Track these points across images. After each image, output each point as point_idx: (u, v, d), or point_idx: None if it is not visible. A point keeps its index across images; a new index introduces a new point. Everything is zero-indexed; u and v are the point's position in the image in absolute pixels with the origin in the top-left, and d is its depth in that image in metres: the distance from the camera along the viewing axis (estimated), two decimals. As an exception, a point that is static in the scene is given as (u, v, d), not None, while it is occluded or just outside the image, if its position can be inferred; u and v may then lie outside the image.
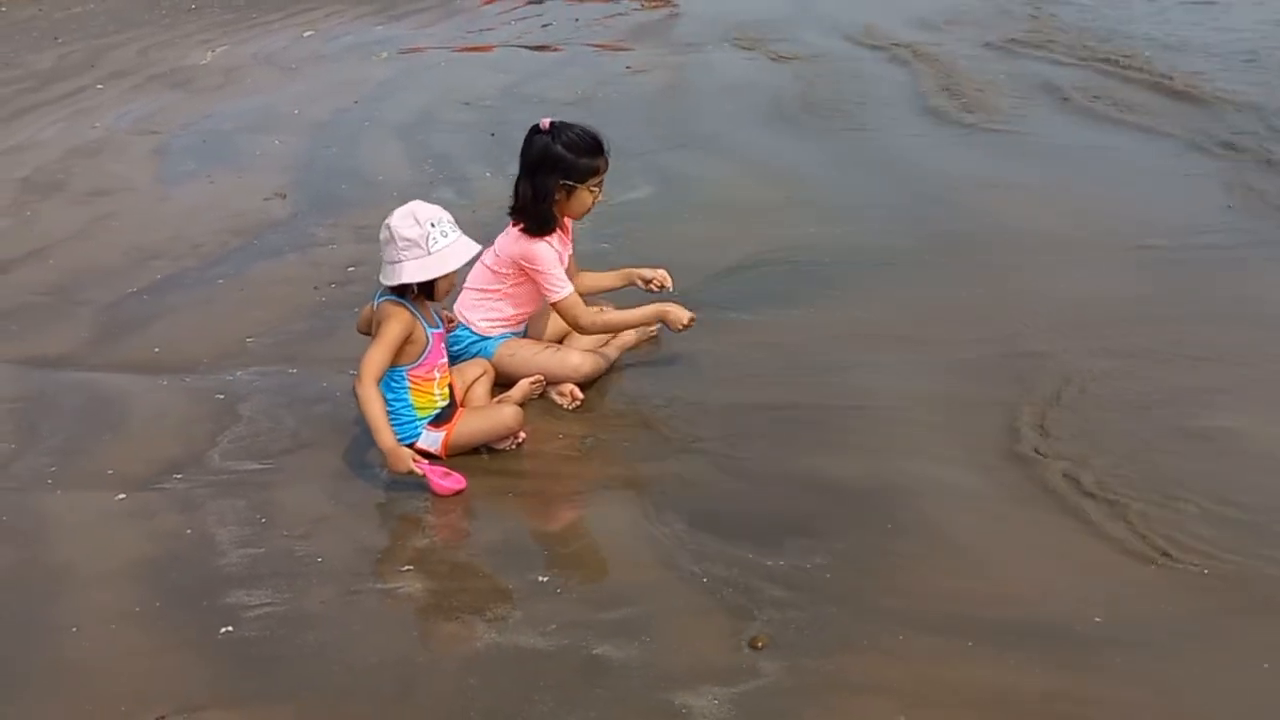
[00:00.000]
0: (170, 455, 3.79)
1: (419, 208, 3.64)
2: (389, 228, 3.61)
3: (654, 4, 13.07)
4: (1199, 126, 6.97)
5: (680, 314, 4.09)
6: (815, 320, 4.66)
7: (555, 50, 10.62)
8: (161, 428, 3.99)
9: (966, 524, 3.25)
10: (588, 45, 10.69)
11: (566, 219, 4.19)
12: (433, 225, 3.60)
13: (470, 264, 3.81)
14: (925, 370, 4.17)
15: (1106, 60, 8.78)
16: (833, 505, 3.39)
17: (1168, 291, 4.75)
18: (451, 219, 3.68)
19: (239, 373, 4.38)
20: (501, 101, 8.68)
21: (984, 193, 6.06)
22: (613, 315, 4.16)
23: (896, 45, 9.76)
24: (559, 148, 3.98)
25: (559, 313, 4.10)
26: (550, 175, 3.99)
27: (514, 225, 4.10)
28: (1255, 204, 5.69)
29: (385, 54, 10.51)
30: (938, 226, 5.63)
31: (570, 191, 4.02)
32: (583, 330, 4.11)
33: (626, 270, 4.40)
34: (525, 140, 4.08)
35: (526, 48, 10.80)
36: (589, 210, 4.13)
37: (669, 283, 4.29)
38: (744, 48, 10.09)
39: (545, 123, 4.05)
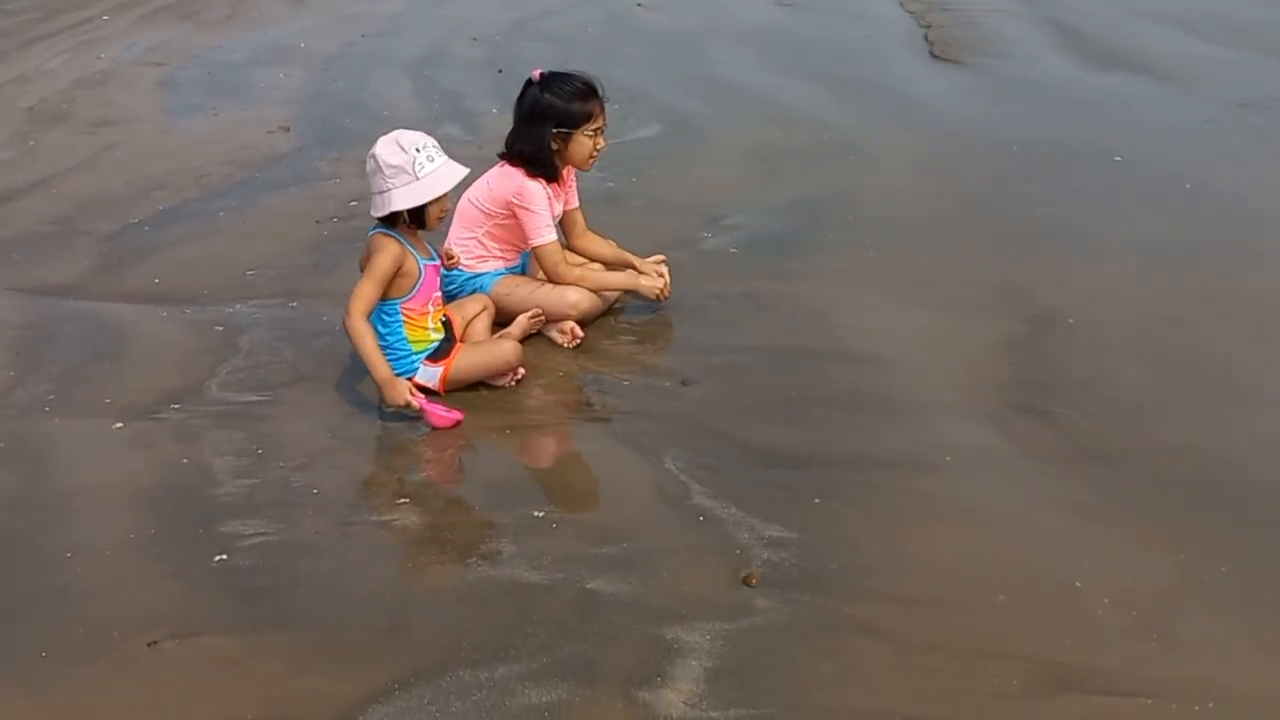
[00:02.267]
0: (169, 385, 3.77)
1: (402, 134, 3.58)
2: (374, 157, 3.56)
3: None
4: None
5: (654, 284, 4.10)
6: (823, 264, 4.61)
7: (567, -14, 10.44)
8: (160, 358, 3.96)
9: (973, 475, 3.23)
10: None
11: (566, 172, 4.13)
12: (418, 150, 3.54)
13: (459, 196, 3.76)
14: (930, 317, 4.13)
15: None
16: (834, 447, 3.37)
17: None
18: (436, 143, 3.62)
19: (239, 305, 4.35)
20: (511, 38, 8.56)
21: (994, 142, 5.97)
22: (589, 274, 4.11)
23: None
24: (549, 96, 3.93)
25: (538, 258, 4.05)
26: (543, 124, 3.94)
27: (506, 163, 4.04)
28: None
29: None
30: (950, 170, 5.56)
31: (567, 139, 3.96)
32: (556, 280, 4.04)
33: (627, 255, 4.31)
34: (520, 94, 4.03)
35: (538, -17, 10.63)
36: (592, 157, 4.05)
37: (663, 292, 4.14)
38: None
39: (536, 74, 4.00)
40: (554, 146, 3.97)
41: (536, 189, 3.97)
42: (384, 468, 3.39)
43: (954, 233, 4.86)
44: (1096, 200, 5.14)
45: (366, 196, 5.09)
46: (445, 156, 3.62)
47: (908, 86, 7.02)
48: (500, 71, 7.52)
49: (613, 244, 4.35)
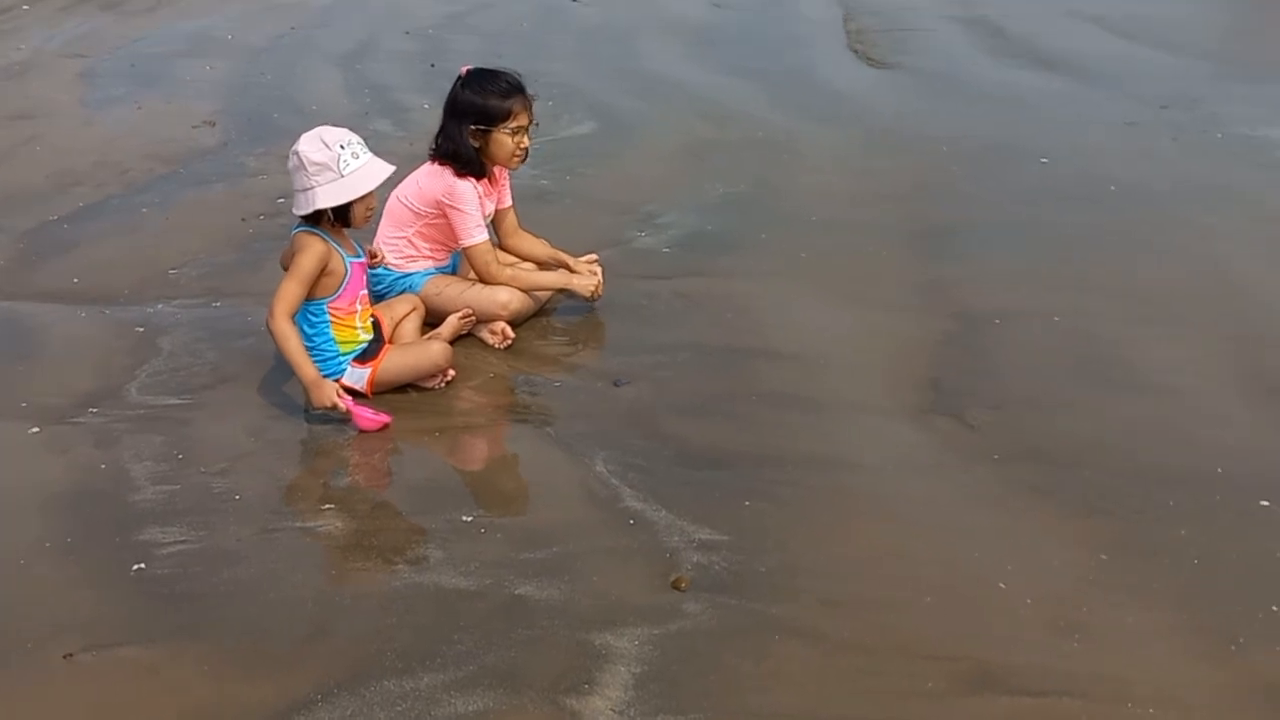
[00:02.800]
0: (86, 388, 3.68)
1: (326, 131, 3.52)
2: (297, 153, 3.49)
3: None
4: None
5: (586, 284, 4.10)
6: (755, 263, 4.62)
7: (502, -20, 10.37)
8: (78, 360, 3.87)
9: (899, 474, 3.25)
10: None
11: (498, 171, 4.09)
12: (342, 148, 3.48)
13: (387, 194, 3.71)
14: (858, 316, 4.15)
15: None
16: (764, 447, 3.37)
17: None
18: (361, 141, 3.56)
19: (160, 305, 4.26)
20: (444, 31, 8.49)
21: (923, 141, 6.02)
22: (520, 274, 4.08)
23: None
24: (469, 93, 3.90)
25: (469, 258, 4.01)
26: (462, 120, 3.90)
27: (435, 162, 3.99)
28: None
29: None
30: (880, 169, 5.61)
31: (486, 137, 3.92)
32: (488, 281, 4.00)
33: (560, 254, 4.29)
34: (450, 91, 4.00)
35: (472, -24, 10.55)
36: (516, 155, 3.99)
37: (596, 291, 4.13)
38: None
39: (464, 70, 3.97)
40: (475, 144, 3.92)
41: (466, 188, 3.93)
42: (309, 472, 3.33)
43: (884, 231, 4.89)
44: (1024, 200, 5.21)
45: (293, 193, 5.04)
46: (370, 154, 3.56)
47: (838, 85, 7.07)
48: (433, 66, 7.44)
49: (545, 243, 4.32)
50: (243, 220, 5.03)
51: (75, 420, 3.51)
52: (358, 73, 7.42)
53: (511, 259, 4.20)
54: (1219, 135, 5.96)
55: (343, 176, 3.47)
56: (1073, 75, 7.10)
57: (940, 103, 6.67)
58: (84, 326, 4.10)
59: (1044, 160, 5.67)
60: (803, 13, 8.80)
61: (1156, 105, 6.46)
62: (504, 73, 3.97)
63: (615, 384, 3.72)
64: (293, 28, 8.58)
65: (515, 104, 3.91)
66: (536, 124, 4.06)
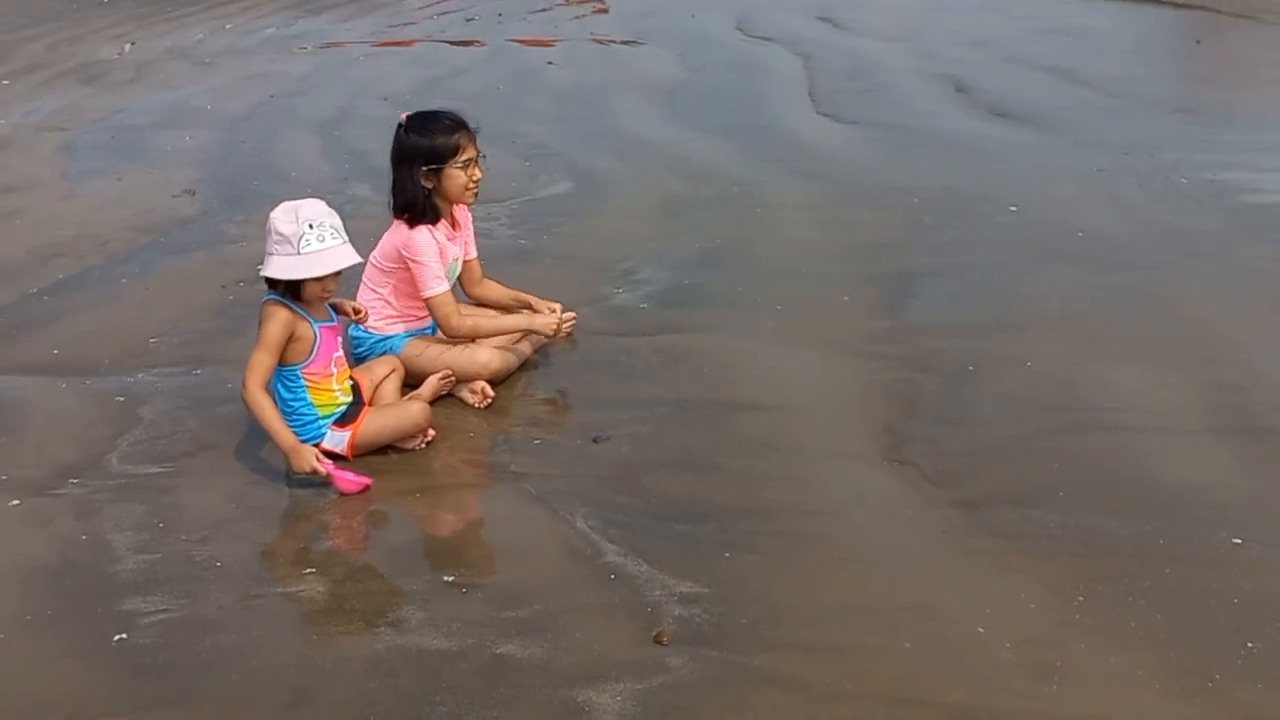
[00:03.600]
0: (67, 459, 3.69)
1: (304, 205, 3.56)
2: (270, 218, 3.55)
3: (579, 0, 13.03)
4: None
5: (548, 322, 4.11)
6: (730, 317, 4.67)
7: (478, 45, 10.54)
8: (59, 431, 3.88)
9: (875, 522, 3.28)
10: (511, 40, 10.62)
11: (457, 214, 4.14)
12: (310, 226, 3.51)
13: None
14: (832, 366, 4.20)
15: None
16: (742, 499, 3.40)
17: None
18: (338, 224, 3.58)
19: (141, 374, 4.28)
20: (422, 97, 8.57)
21: (893, 193, 6.12)
22: (483, 321, 4.11)
23: (813, 43, 9.85)
24: (414, 137, 3.97)
25: (430, 309, 4.05)
26: (413, 165, 3.96)
27: (395, 218, 4.06)
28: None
29: (308, 47, 10.35)
30: (852, 221, 5.69)
31: (438, 175, 3.97)
32: (449, 332, 4.05)
33: (522, 295, 4.35)
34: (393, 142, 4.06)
35: (448, 42, 10.72)
36: (469, 189, 4.05)
37: (559, 329, 4.16)
38: (666, 46, 10.08)
39: (403, 116, 4.04)
40: (428, 185, 3.97)
41: (423, 239, 3.98)
42: (289, 537, 3.34)
43: (857, 282, 4.95)
44: (995, 249, 5.28)
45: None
46: (341, 240, 3.56)
47: (807, 140, 7.18)
48: (410, 131, 7.53)
49: (508, 288, 4.38)
50: (223, 288, 5.07)
51: (56, 492, 3.51)
52: (336, 139, 7.50)
53: (473, 310, 4.22)
54: (1182, 180, 6.07)
55: (299, 254, 3.50)
56: (1035, 126, 7.23)
57: (907, 156, 6.79)
58: (64, 398, 4.12)
59: (1013, 208, 5.76)
60: (767, 72, 8.95)
61: (1119, 152, 6.58)
62: (444, 111, 4.06)
63: (594, 440, 3.75)
64: (271, 96, 8.68)
65: (461, 138, 3.98)
66: (484, 156, 4.12)
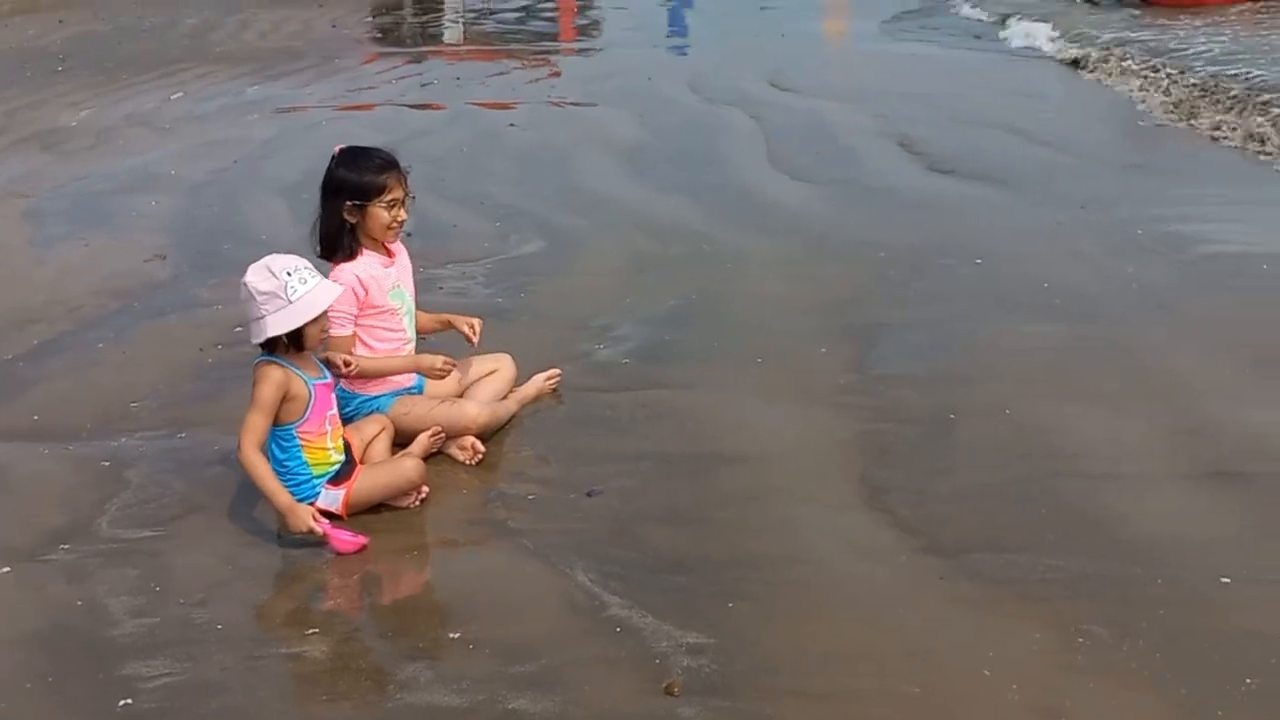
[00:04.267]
0: (56, 525, 3.65)
1: (273, 260, 3.61)
2: (245, 284, 3.58)
3: (534, 63, 13.20)
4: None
5: (433, 361, 4.09)
6: (709, 370, 4.74)
7: (438, 108, 10.62)
8: (45, 497, 3.84)
9: (867, 568, 3.34)
10: (471, 103, 10.72)
11: (386, 242, 4.13)
12: (289, 274, 3.56)
13: None
14: (811, 417, 4.28)
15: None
16: (736, 548, 3.44)
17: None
18: (309, 265, 3.65)
19: (124, 438, 4.25)
20: (387, 159, 8.63)
21: (859, 248, 6.25)
22: (363, 361, 4.01)
23: (767, 105, 10.06)
24: (343, 171, 4.01)
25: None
26: (338, 198, 4.00)
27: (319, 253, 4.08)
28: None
29: (269, 111, 10.37)
30: (821, 276, 5.80)
31: (363, 211, 4.01)
32: (340, 374, 3.95)
33: (447, 316, 4.40)
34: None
35: (409, 106, 10.78)
36: (391, 228, 4.07)
37: (475, 338, 4.26)
38: (624, 108, 10.22)
39: (337, 149, 4.09)
40: (351, 220, 4.01)
41: (342, 274, 3.98)
42: (288, 597, 3.33)
43: (829, 334, 5.04)
44: (963, 301, 5.41)
45: (248, 323, 5.08)
46: (319, 277, 3.65)
47: (770, 199, 7.29)
48: (378, 193, 7.57)
49: (431, 314, 4.41)
50: (201, 350, 5.06)
51: (46, 558, 3.48)
52: (304, 202, 7.44)
53: (357, 355, 4.06)
54: (1139, 232, 6.26)
55: (291, 303, 3.54)
56: (992, 182, 7.41)
57: (868, 212, 6.92)
58: (48, 463, 4.08)
59: (978, 261, 5.90)
60: (725, 133, 9.10)
61: (1076, 207, 6.77)
62: (376, 150, 4.11)
63: (588, 494, 3.78)
64: (235, 161, 8.69)
65: (389, 178, 4.02)
66: (413, 197, 4.16)
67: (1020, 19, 13.80)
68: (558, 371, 4.47)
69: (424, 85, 11.96)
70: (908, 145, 8.40)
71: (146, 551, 3.50)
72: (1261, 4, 13.99)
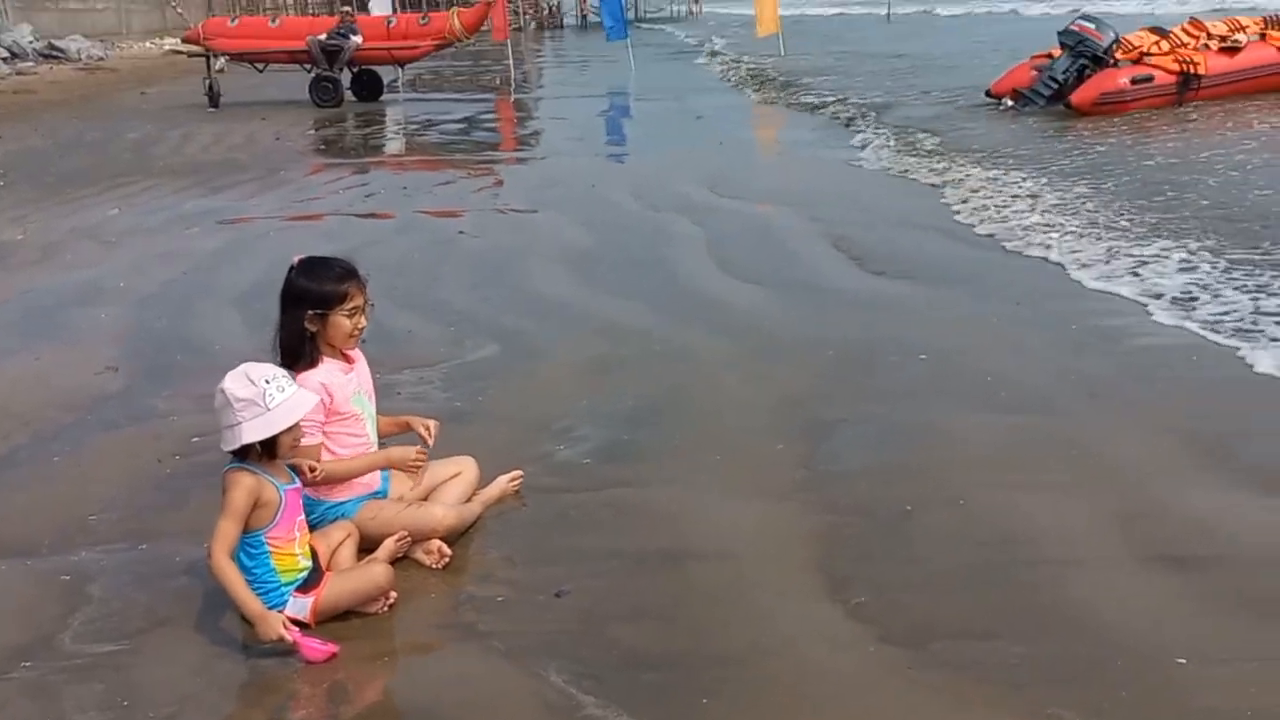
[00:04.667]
0: (16, 642, 3.60)
1: (251, 368, 3.66)
2: (223, 391, 3.61)
3: (479, 172, 13.45)
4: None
5: (406, 453, 4.13)
6: (669, 468, 4.82)
7: (386, 217, 10.76)
8: (4, 614, 3.78)
9: (838, 663, 3.41)
10: (419, 212, 10.88)
11: (346, 350, 4.20)
12: (267, 382, 3.62)
13: None
14: (772, 512, 4.36)
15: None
16: (707, 645, 3.49)
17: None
18: (287, 374, 3.71)
19: (84, 552, 4.20)
20: (338, 268, 8.70)
21: (807, 345, 6.42)
22: (333, 465, 4.05)
23: (708, 210, 10.33)
24: (304, 281, 4.07)
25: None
26: (298, 308, 4.06)
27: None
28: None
29: (203, 228, 10.41)
30: (773, 374, 5.94)
31: (324, 320, 4.07)
32: (308, 479, 3.97)
33: (405, 418, 4.45)
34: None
35: (357, 215, 10.91)
36: (353, 336, 4.14)
37: (430, 438, 4.29)
38: (570, 214, 10.44)
39: (296, 259, 4.16)
40: (312, 329, 4.07)
41: (307, 383, 4.00)
42: (260, 709, 3.30)
43: (785, 430, 5.15)
44: (912, 395, 5.56)
45: (208, 432, 5.07)
46: (296, 385, 3.71)
47: (717, 299, 7.45)
48: (330, 301, 7.64)
49: (389, 416, 4.44)
50: (159, 461, 5.04)
51: (8, 676, 3.42)
52: (257, 311, 7.51)
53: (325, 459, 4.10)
54: (1073, 326, 6.50)
55: (269, 410, 3.60)
56: (929, 281, 7.65)
57: (812, 311, 7.10)
58: (6, 579, 4.03)
59: (922, 357, 6.08)
60: (670, 237, 9.31)
61: (1011, 303, 7.02)
62: (335, 259, 4.18)
63: (556, 594, 3.81)
64: (184, 272, 8.71)
65: (350, 286, 4.09)
66: (372, 305, 4.23)
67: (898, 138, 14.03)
68: (520, 473, 4.53)
69: (370, 195, 12.11)
70: (845, 247, 8.64)
71: (112, 666, 3.46)
72: (1183, 103, 14.67)
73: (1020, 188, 10.62)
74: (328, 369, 4.11)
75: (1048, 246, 8.35)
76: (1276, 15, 16.34)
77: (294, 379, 3.99)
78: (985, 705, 3.11)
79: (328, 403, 4.05)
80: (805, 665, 3.37)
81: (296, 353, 4.07)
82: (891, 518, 4.28)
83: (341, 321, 4.10)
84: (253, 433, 3.59)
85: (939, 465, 4.73)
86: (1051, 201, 9.93)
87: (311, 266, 4.12)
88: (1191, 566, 3.86)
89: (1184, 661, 3.27)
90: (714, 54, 31.76)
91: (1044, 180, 10.92)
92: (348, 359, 4.22)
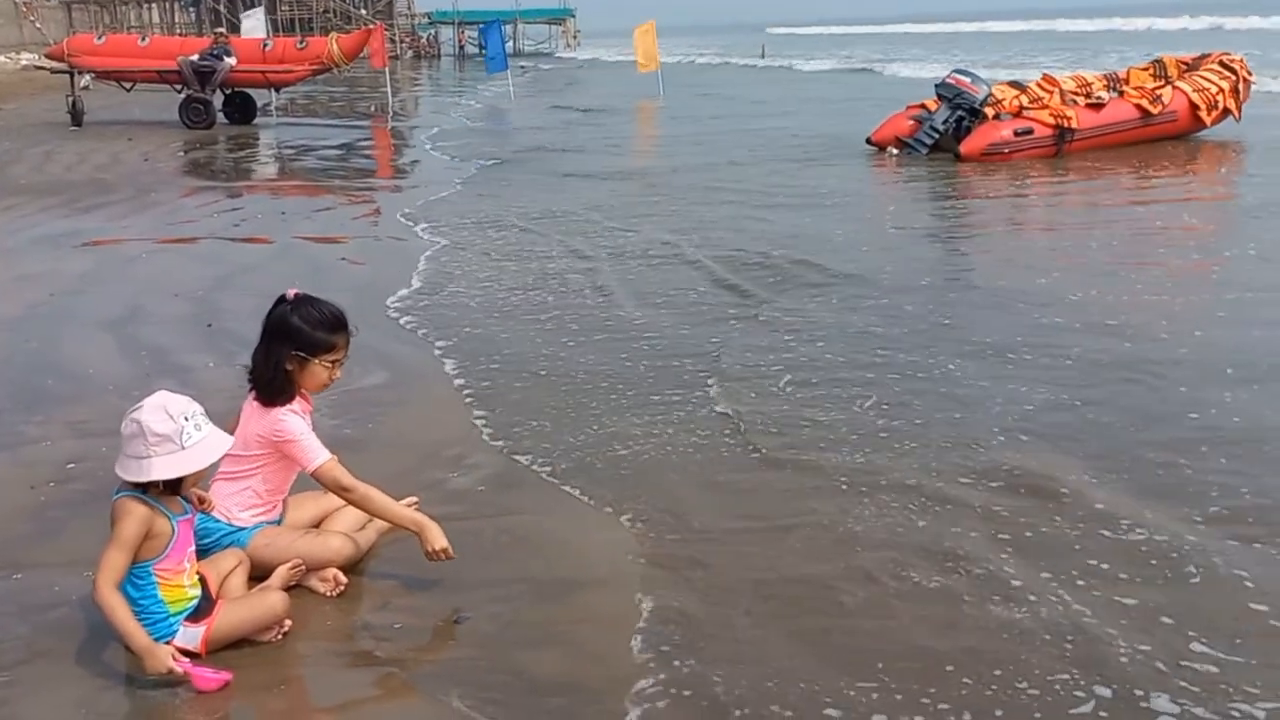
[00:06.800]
0: (-116, 678, 3.40)
1: (170, 401, 3.54)
2: (138, 422, 3.47)
3: (355, 199, 13.29)
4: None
5: (438, 540, 3.92)
6: (560, 497, 4.83)
7: (265, 242, 10.55)
8: None
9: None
10: (298, 237, 10.69)
11: (305, 390, 4.17)
12: (186, 419, 3.51)
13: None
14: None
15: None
16: (615, 671, 3.50)
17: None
18: (203, 411, 3.60)
19: (-46, 584, 4.01)
20: (215, 293, 8.49)
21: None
22: (374, 494, 4.01)
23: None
24: (296, 319, 4.01)
25: (319, 480, 3.99)
26: (284, 344, 4.00)
27: (253, 399, 4.05)
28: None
29: (69, 249, 10.05)
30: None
31: (303, 364, 4.03)
32: (346, 492, 3.96)
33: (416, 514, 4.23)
34: (271, 308, 4.10)
35: (233, 239, 10.68)
36: (325, 385, 4.13)
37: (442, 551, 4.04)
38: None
39: (290, 293, 4.10)
40: (289, 367, 4.01)
41: (292, 419, 3.99)
42: (149, 741, 3.19)
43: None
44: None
45: (85, 458, 4.92)
46: (212, 425, 3.59)
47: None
48: (210, 326, 7.45)
49: None
50: (33, 488, 4.83)
51: (-126, 713, 3.24)
52: (130, 336, 7.31)
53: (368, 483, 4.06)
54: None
55: (184, 449, 3.48)
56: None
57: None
58: None
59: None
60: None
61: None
62: (330, 304, 4.12)
63: (456, 620, 3.78)
64: (51, 295, 8.39)
65: (339, 339, 4.07)
66: (347, 355, 4.19)
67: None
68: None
69: (245, 220, 11.86)
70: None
71: (-11, 701, 3.31)
72: (1060, 153, 15.34)
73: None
74: (298, 405, 4.06)
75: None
76: (1114, 73, 18.05)
77: (272, 411, 3.90)
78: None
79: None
80: (706, 687, 3.41)
81: (273, 387, 3.98)
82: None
83: (319, 371, 4.04)
84: (164, 469, 3.46)
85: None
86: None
87: (307, 307, 4.03)
88: None
89: None
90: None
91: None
92: (306, 399, 4.15)
